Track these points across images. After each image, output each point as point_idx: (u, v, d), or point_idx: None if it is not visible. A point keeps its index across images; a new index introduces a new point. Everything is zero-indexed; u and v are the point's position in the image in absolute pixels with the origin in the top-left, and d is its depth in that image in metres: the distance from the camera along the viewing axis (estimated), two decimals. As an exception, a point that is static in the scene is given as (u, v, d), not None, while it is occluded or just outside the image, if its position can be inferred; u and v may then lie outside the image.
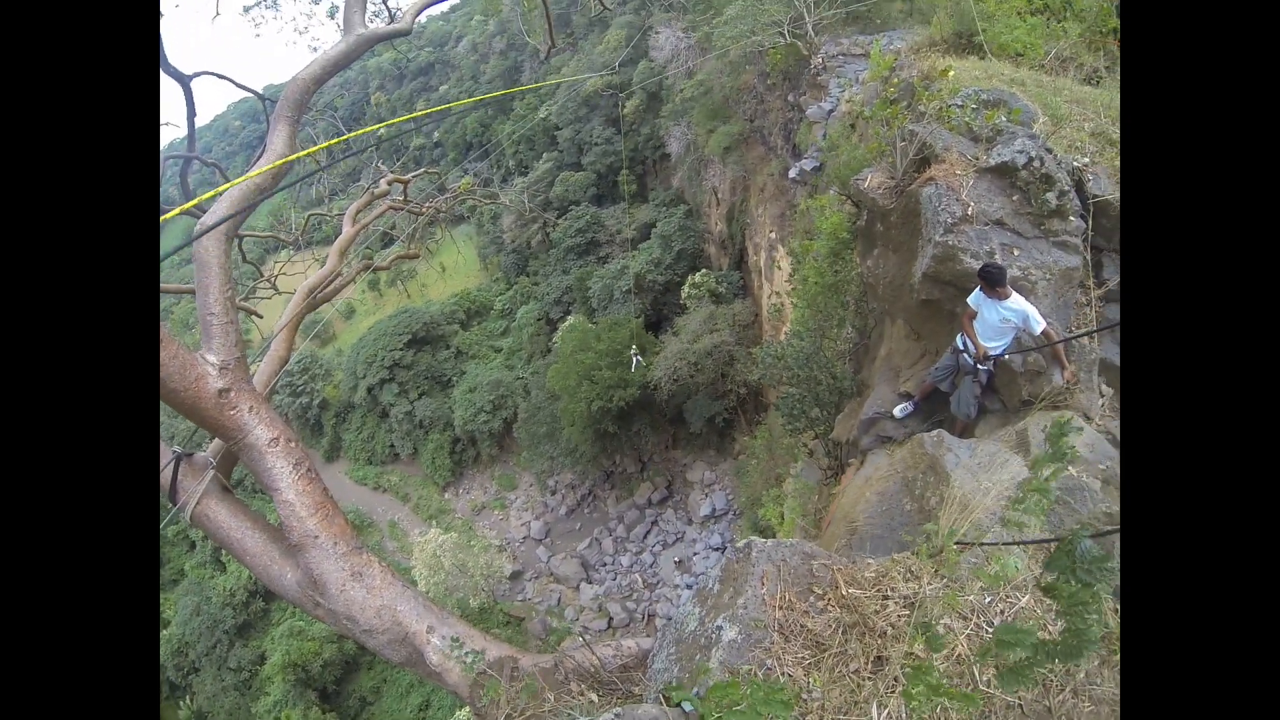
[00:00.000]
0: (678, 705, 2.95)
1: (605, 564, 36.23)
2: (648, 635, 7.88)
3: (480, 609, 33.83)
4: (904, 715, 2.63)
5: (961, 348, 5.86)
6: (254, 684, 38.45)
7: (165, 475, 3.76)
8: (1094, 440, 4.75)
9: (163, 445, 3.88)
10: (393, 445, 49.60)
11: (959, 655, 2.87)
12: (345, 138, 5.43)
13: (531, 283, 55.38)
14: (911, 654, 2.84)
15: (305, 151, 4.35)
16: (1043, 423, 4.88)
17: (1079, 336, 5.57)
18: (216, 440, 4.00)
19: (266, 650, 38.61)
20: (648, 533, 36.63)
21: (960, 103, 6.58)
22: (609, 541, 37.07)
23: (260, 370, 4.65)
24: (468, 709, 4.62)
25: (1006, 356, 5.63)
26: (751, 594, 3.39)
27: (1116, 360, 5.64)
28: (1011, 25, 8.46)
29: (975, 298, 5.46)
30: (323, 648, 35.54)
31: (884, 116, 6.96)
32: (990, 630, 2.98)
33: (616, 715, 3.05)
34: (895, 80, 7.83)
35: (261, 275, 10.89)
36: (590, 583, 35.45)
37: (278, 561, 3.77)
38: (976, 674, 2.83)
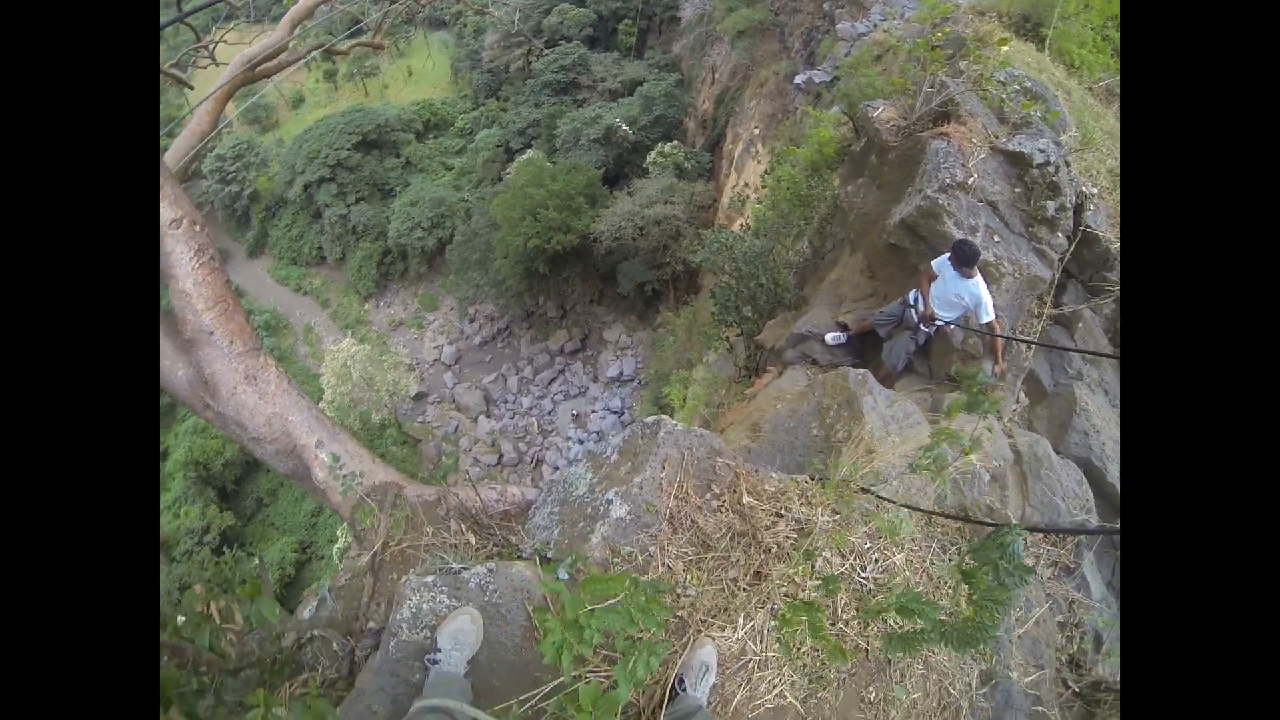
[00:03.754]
0: (553, 573, 2.96)
1: (507, 401, 36.83)
2: (533, 484, 8.06)
3: (381, 424, 34.04)
4: (766, 632, 2.76)
5: (912, 303, 5.88)
6: (155, 480, 37.88)
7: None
8: (997, 439, 4.95)
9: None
10: (321, 248, 47.37)
11: (843, 603, 2.99)
12: None
13: (500, 108, 51.91)
14: (789, 577, 2.95)
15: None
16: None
17: (1022, 340, 5.76)
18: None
19: (169, 446, 37.79)
20: (553, 380, 37.21)
21: (1004, 78, 6.48)
22: (514, 380, 37.51)
23: (175, 142, 4.08)
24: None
25: (951, 327, 5.71)
26: (650, 475, 3.33)
27: (1045, 377, 5.91)
28: (1084, 41, 8.34)
29: (940, 263, 5.43)
30: (224, 447, 35.09)
31: (922, 57, 6.72)
32: (864, 576, 3.12)
33: (490, 570, 3.06)
34: (946, 29, 7.53)
35: (199, 40, 9.35)
36: (489, 417, 36.09)
37: (169, 355, 3.46)
38: (844, 626, 2.97)
